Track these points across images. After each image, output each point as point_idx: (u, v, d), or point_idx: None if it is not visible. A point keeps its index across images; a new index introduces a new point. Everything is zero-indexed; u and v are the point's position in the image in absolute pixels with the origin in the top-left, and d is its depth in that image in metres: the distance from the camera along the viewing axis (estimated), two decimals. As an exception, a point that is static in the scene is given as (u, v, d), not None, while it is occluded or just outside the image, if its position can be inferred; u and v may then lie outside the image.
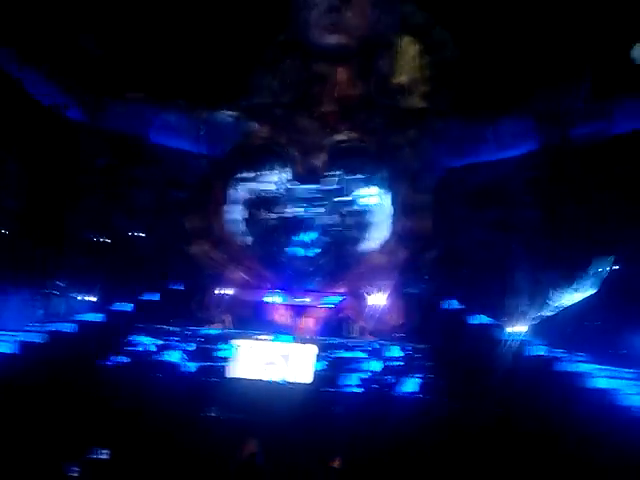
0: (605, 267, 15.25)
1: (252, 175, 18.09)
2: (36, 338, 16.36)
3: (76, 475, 10.55)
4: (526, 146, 17.79)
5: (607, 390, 13.76)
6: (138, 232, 18.71)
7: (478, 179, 18.36)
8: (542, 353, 15.38)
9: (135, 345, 15.55)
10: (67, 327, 17.02)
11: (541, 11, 19.15)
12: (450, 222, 17.31)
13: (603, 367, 14.46)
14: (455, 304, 17.37)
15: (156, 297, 18.48)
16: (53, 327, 16.90)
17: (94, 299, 17.69)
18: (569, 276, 15.51)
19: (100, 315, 17.82)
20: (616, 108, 17.48)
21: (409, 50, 19.60)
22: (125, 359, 15.37)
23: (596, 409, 12.82)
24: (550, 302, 14.91)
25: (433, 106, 19.10)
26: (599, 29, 18.74)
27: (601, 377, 14.18)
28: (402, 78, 19.20)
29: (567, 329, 14.92)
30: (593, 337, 14.81)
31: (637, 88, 17.53)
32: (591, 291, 15.25)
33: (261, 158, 18.02)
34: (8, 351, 15.72)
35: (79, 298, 17.72)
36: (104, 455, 11.56)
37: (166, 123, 19.56)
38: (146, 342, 15.53)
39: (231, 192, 18.03)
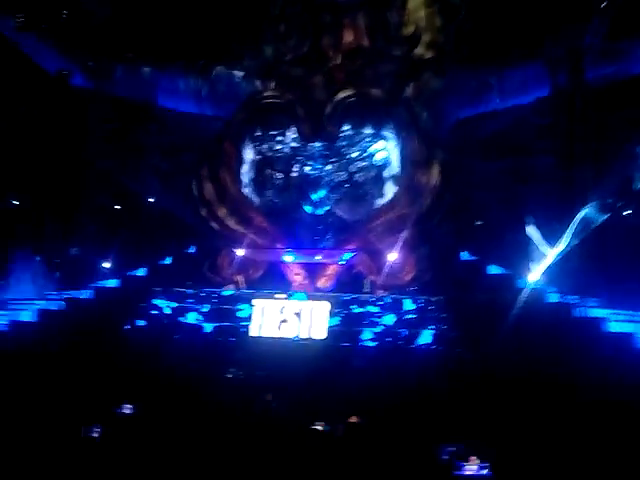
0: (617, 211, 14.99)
1: (260, 134, 17.93)
2: (54, 306, 16.70)
3: (99, 435, 10.84)
4: (535, 93, 17.32)
5: (622, 334, 13.70)
6: (150, 197, 18.78)
7: (489, 128, 18.00)
8: (556, 300, 15.31)
9: (152, 308, 15.79)
10: (84, 294, 17.35)
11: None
12: (461, 173, 17.04)
13: (617, 311, 14.36)
14: (467, 255, 17.29)
15: (170, 261, 18.70)
16: (71, 294, 17.25)
17: (109, 265, 17.90)
18: (583, 221, 15.23)
19: (116, 281, 18.10)
20: (634, 47, 16.86)
21: (416, -2, 19.06)
22: (143, 322, 15.64)
23: (612, 353, 12.77)
24: (563, 248, 14.69)
25: (441, 55, 18.64)
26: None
27: (616, 321, 14.12)
28: (410, 27, 18.71)
29: (580, 275, 14.75)
30: (606, 282, 14.65)
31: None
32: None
33: (268, 117, 17.83)
34: (28, 319, 16.08)
35: (95, 265, 17.94)
36: (127, 411, 11.83)
37: (172, 85, 19.39)
38: (162, 305, 15.76)
39: (240, 152, 17.90)
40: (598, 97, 16.21)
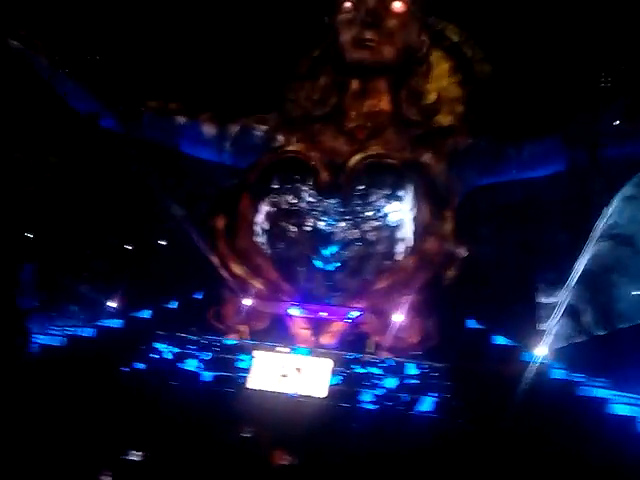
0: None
1: (277, 187, 18.16)
2: (55, 341, 16.69)
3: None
4: (552, 167, 17.49)
5: (626, 417, 13.35)
6: (161, 240, 18.97)
7: (504, 198, 18.14)
8: (562, 377, 15.01)
9: (153, 352, 15.69)
10: (87, 332, 17.33)
11: (575, 34, 18.95)
12: (473, 241, 17.06)
13: (623, 394, 14.04)
14: (474, 324, 17.09)
15: (175, 305, 18.69)
16: (73, 331, 17.26)
17: (115, 305, 17.93)
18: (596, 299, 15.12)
19: (120, 321, 18.09)
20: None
21: (441, 67, 19.63)
22: (142, 365, 15.53)
23: (614, 436, 12.43)
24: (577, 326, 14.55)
25: (462, 123, 19.02)
26: (633, 52, 18.43)
27: (620, 404, 13.79)
28: (432, 95, 19.20)
29: (588, 353, 14.51)
30: (615, 362, 14.39)
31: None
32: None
33: (287, 171, 18.08)
34: (30, 352, 16.07)
35: (100, 303, 18.00)
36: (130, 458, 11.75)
37: (196, 134, 19.89)
38: (163, 349, 15.66)
39: (256, 203, 18.12)
40: (613, 176, 16.34)
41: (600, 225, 16.06)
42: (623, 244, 15.66)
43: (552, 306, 14.79)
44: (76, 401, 13.85)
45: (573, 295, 15.50)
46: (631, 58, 17.72)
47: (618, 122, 16.75)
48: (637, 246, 15.47)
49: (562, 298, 15.22)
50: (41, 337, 16.71)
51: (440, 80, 19.55)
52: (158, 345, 15.67)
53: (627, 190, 16.02)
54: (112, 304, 17.88)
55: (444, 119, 19.10)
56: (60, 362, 15.43)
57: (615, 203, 16.07)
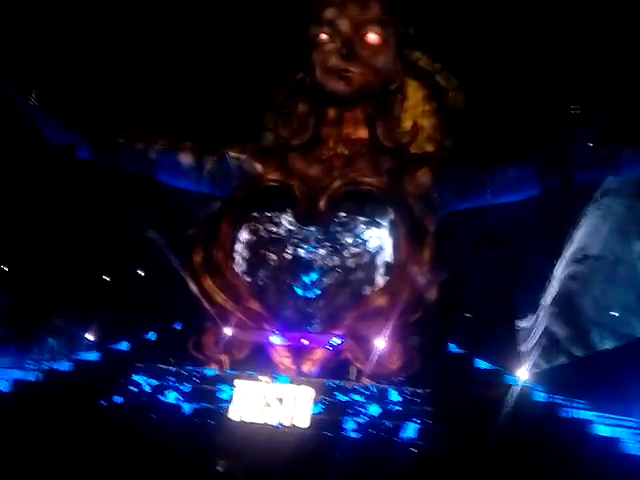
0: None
1: (256, 215, 18.19)
2: (31, 376, 16.33)
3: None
4: (526, 192, 17.79)
5: (608, 438, 13.41)
6: (138, 271, 18.79)
7: (481, 222, 18.36)
8: (544, 399, 15.06)
9: (132, 384, 15.40)
10: (64, 366, 16.99)
11: (547, 60, 19.49)
12: (452, 265, 17.19)
13: (604, 415, 14.13)
14: (455, 348, 17.12)
15: (154, 336, 18.45)
16: (50, 365, 16.90)
17: (92, 337, 17.65)
18: (573, 321, 15.30)
19: (97, 354, 17.78)
20: (621, 153, 17.46)
21: (416, 96, 20.00)
22: (120, 399, 15.23)
23: (597, 457, 12.46)
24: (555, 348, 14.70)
25: (437, 151, 19.30)
26: (605, 77, 19.00)
27: (602, 425, 13.86)
28: (408, 123, 19.50)
29: (569, 375, 14.62)
30: (595, 384, 14.50)
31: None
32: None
33: (266, 199, 18.15)
34: (3, 389, 15.69)
35: (77, 336, 17.71)
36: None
37: (174, 164, 19.89)
38: (142, 382, 15.38)
39: (236, 232, 18.10)
40: (586, 199, 16.68)
41: (570, 247, 16.34)
42: (596, 264, 15.93)
43: (532, 329, 14.93)
44: (54, 437, 13.52)
45: (551, 318, 15.68)
46: (600, 84, 18.26)
47: (590, 145, 17.13)
48: (610, 266, 15.74)
49: (541, 321, 15.40)
50: (16, 372, 16.37)
51: (415, 109, 19.90)
52: (137, 377, 15.39)
53: (593, 210, 16.36)
54: (89, 337, 17.59)
55: (419, 147, 19.36)
56: (36, 398, 15.08)
57: (584, 224, 16.37)
